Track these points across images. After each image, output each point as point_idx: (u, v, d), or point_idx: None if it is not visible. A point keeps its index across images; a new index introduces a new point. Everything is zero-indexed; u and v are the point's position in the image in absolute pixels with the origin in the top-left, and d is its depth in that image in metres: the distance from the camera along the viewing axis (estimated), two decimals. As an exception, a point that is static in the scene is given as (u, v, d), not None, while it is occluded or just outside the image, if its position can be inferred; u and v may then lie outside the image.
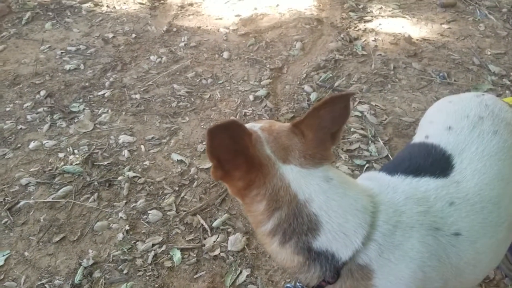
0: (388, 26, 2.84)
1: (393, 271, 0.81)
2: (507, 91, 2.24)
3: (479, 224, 0.85)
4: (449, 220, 0.84)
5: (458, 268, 0.85)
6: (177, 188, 1.87)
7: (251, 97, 2.34)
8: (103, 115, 2.25)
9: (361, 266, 0.81)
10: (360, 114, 2.20)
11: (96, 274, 1.58)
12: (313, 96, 2.32)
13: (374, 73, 2.45)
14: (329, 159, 0.82)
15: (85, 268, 1.59)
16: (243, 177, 0.81)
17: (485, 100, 1.06)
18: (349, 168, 1.90)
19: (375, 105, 2.24)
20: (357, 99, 2.29)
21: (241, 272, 1.58)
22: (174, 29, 2.92)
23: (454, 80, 2.36)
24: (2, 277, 1.59)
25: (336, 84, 2.39)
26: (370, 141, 2.04)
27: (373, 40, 2.70)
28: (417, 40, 2.68)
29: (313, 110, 0.81)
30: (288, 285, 1.06)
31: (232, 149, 0.77)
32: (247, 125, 0.85)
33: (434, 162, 0.93)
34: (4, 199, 1.86)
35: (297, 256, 0.81)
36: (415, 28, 2.80)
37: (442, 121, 1.04)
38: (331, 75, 2.46)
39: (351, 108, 2.23)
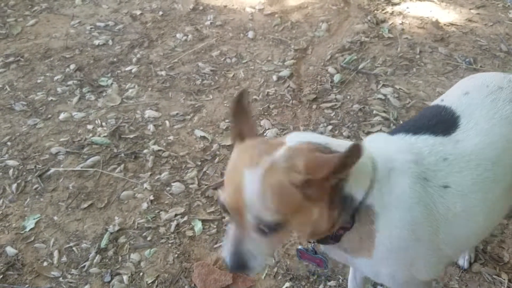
0: (416, 9, 2.80)
1: (389, 213, 0.88)
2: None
3: (472, 180, 0.90)
4: (440, 174, 0.90)
5: (447, 219, 0.90)
6: (199, 163, 1.93)
7: (274, 77, 2.37)
8: (130, 90, 2.32)
9: (367, 207, 0.87)
10: (383, 97, 2.20)
11: (122, 239, 1.66)
12: (337, 78, 2.33)
13: (399, 56, 2.44)
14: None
15: (111, 233, 1.68)
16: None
17: (509, 77, 1.08)
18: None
19: (399, 88, 2.24)
20: (380, 81, 2.29)
21: (259, 245, 1.64)
22: (201, 8, 2.95)
23: (480, 66, 2.33)
24: (32, 239, 1.69)
25: (360, 66, 2.39)
26: (392, 124, 2.05)
27: (400, 23, 2.68)
28: (444, 24, 2.65)
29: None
30: (300, 247, 1.10)
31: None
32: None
33: (439, 122, 0.98)
34: (35, 166, 1.95)
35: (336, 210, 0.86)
36: (443, 13, 2.76)
37: (461, 88, 1.08)
38: (355, 57, 2.46)
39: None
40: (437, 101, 1.09)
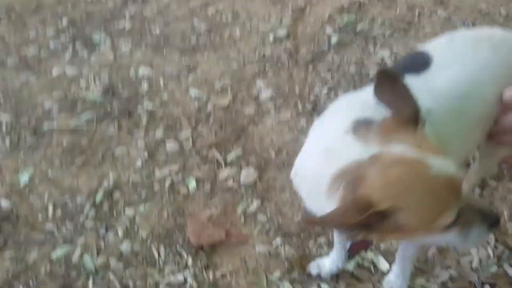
0: (417, -29, 2.74)
1: None
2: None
3: (446, 107, 0.94)
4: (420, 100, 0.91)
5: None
6: (193, 122, 1.93)
7: (271, 38, 2.33)
8: (124, 47, 2.28)
9: None
10: (380, 61, 2.19)
11: (116, 195, 1.69)
12: (334, 39, 2.30)
13: (398, 19, 2.40)
14: None
15: (106, 189, 1.70)
16: None
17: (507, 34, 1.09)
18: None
19: (396, 51, 2.22)
20: (378, 44, 2.27)
21: (252, 202, 1.66)
22: (197, -36, 2.86)
23: (479, 31, 2.31)
24: (27, 193, 1.70)
25: (358, 28, 2.36)
26: (387, 87, 2.04)
27: (399, -15, 2.63)
28: (445, -13, 2.60)
29: None
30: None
31: None
32: None
33: (413, 65, 1.01)
34: (28, 121, 1.94)
35: None
36: (444, -25, 2.70)
37: (451, 35, 1.11)
38: (354, 18, 2.42)
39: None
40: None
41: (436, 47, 1.08)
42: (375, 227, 0.75)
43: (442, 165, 0.77)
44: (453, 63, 1.00)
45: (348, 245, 1.14)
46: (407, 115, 0.81)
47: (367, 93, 0.97)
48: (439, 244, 0.91)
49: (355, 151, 0.80)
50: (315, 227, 1.50)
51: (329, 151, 0.84)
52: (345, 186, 0.78)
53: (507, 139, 0.97)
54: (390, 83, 0.83)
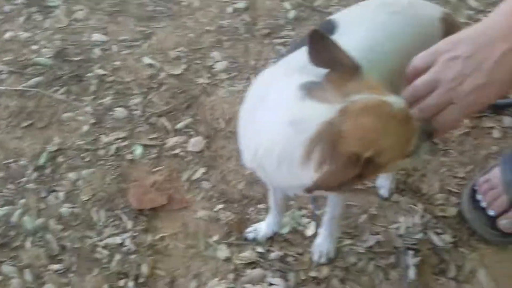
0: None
1: None
2: (481, 26, 2.26)
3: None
4: None
5: None
6: (145, 90, 1.94)
7: (230, 9, 2.33)
8: (79, 12, 2.25)
9: None
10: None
11: (60, 159, 1.70)
12: (291, 14, 2.32)
13: (355, -4, 2.43)
14: None
15: (49, 152, 1.71)
16: None
17: (420, 2, 1.17)
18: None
19: (350, 28, 2.25)
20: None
21: (197, 170, 1.70)
22: None
23: (433, 11, 2.36)
24: (-31, 153, 1.70)
25: (315, 3, 2.38)
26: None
27: (361, -37, 2.65)
28: (405, -34, 2.63)
29: None
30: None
31: None
32: None
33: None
34: (-24, 84, 1.92)
35: None
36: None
37: (356, 4, 1.18)
38: (312, -6, 2.43)
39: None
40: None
41: (343, 14, 1.13)
42: (365, 174, 0.80)
43: (397, 101, 0.84)
44: (356, 25, 1.06)
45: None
46: (347, 66, 0.85)
47: (295, 58, 1.01)
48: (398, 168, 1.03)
49: (321, 112, 0.82)
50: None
51: (293, 122, 0.85)
52: (323, 148, 0.81)
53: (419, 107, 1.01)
54: (321, 43, 0.87)
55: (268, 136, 0.91)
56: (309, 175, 0.82)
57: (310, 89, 0.86)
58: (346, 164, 0.78)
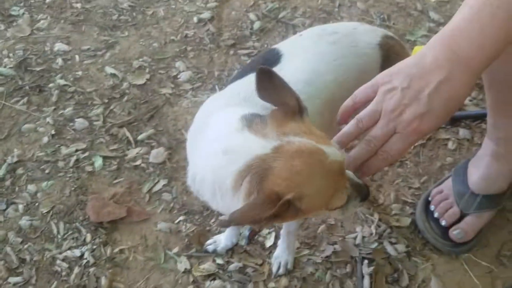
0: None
1: None
2: (439, 40, 2.34)
3: (298, 92, 0.98)
4: None
5: None
6: (106, 101, 1.94)
7: (195, 19, 2.35)
8: (42, 21, 2.23)
9: None
10: (298, 47, 2.26)
11: (19, 171, 1.68)
12: (257, 25, 2.35)
13: (319, 8, 2.48)
14: None
15: (9, 164, 1.69)
16: None
17: (359, 26, 1.21)
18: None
19: (313, 39, 2.30)
20: (298, 32, 2.33)
21: (158, 181, 1.71)
22: None
23: (393, 24, 2.43)
24: None
25: (280, 15, 2.42)
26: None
27: (325, -25, 2.70)
28: (368, -21, 2.70)
29: None
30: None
31: None
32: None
33: (265, 61, 1.10)
34: None
35: None
36: (369, -33, 2.80)
37: (301, 32, 1.22)
38: (277, 6, 2.47)
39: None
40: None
41: (286, 43, 1.18)
42: (283, 215, 0.82)
43: (333, 152, 0.86)
44: (298, 56, 1.10)
45: (247, 232, 1.22)
46: (292, 106, 0.88)
47: (240, 88, 1.04)
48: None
49: (256, 146, 0.85)
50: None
51: (227, 151, 0.88)
52: (250, 180, 0.83)
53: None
54: (269, 80, 0.89)
55: (204, 163, 0.95)
56: (238, 203, 0.85)
57: (251, 122, 0.89)
58: (265, 201, 0.79)
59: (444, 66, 0.87)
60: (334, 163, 0.85)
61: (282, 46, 1.16)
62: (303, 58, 1.10)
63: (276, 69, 1.07)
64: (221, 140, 0.92)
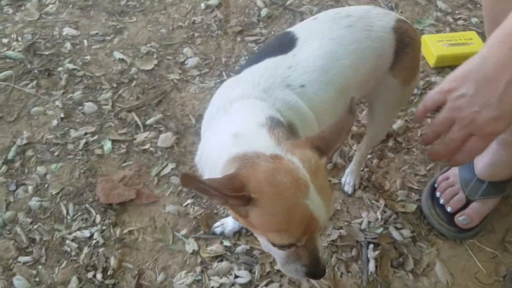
0: (352, -50, 2.81)
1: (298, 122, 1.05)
2: (447, 28, 2.34)
3: (314, 81, 1.06)
4: (291, 78, 1.05)
5: (313, 111, 1.07)
6: (115, 85, 1.95)
7: (202, 5, 2.35)
8: (50, 6, 2.24)
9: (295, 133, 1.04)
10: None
11: (29, 153, 1.70)
12: (264, 12, 2.35)
13: (327, -5, 2.48)
14: None
15: (18, 146, 1.70)
16: None
17: (371, 10, 1.20)
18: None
19: (321, 27, 2.30)
20: (304, 18, 2.33)
21: (166, 165, 1.72)
22: None
23: (401, 12, 2.43)
24: None
25: (288, 2, 2.42)
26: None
27: (333, -37, 2.69)
28: (376, -32, 2.69)
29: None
30: None
31: None
32: None
33: (281, 45, 1.11)
34: None
35: None
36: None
37: (316, 15, 1.20)
38: (285, -8, 2.47)
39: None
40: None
41: (301, 26, 1.17)
42: (235, 206, 0.86)
43: (316, 205, 0.84)
44: (313, 40, 1.10)
45: None
46: (324, 147, 0.89)
47: (259, 79, 1.06)
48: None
49: (263, 144, 0.89)
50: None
51: (238, 135, 0.93)
52: (239, 167, 0.86)
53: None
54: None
55: (215, 140, 0.98)
56: None
57: (274, 126, 0.93)
58: (231, 183, 0.82)
59: (508, 66, 0.86)
60: (307, 209, 0.83)
61: (297, 29, 1.15)
62: (319, 43, 1.09)
63: (292, 54, 1.08)
64: (239, 126, 0.96)
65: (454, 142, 0.95)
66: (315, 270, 0.92)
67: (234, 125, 0.97)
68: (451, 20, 2.41)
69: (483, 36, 2.19)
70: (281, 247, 0.90)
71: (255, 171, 0.84)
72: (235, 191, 0.81)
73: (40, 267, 1.45)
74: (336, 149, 0.90)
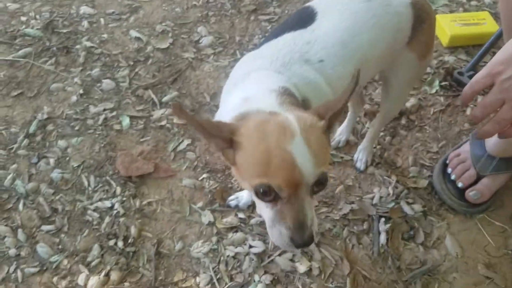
0: None
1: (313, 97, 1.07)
2: (460, 8, 2.34)
3: (332, 56, 1.08)
4: (310, 53, 1.07)
5: (331, 86, 1.09)
6: (132, 63, 1.98)
7: (216, -15, 2.37)
8: (67, -16, 2.27)
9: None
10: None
11: (50, 127, 1.75)
12: (278, -10, 2.37)
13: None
14: None
15: (39, 121, 1.75)
16: None
17: None
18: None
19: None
20: None
21: (182, 141, 1.76)
22: None
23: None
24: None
25: (301, -18, 2.42)
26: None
27: None
28: None
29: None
30: None
31: None
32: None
33: (300, 20, 1.13)
34: (-35, 53, 1.94)
35: None
36: None
37: None
38: (298, -28, 2.48)
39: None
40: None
41: (320, 1, 1.18)
42: (224, 148, 0.90)
43: (301, 154, 0.83)
44: (333, 14, 1.11)
45: None
46: (326, 114, 0.90)
47: (278, 53, 1.08)
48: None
49: (267, 104, 0.93)
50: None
51: (247, 100, 0.97)
52: (236, 120, 0.92)
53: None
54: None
55: (230, 106, 1.01)
56: None
57: (285, 94, 0.97)
58: (226, 127, 0.87)
59: None
60: (289, 155, 0.82)
61: (317, 4, 1.16)
62: (338, 18, 1.11)
63: (311, 28, 1.09)
64: (251, 92, 1.00)
65: (506, 121, 1.03)
66: (298, 235, 0.85)
67: (246, 90, 1.01)
68: (464, 0, 2.41)
69: (496, 17, 2.19)
70: (264, 197, 0.86)
71: (248, 122, 0.89)
72: (219, 132, 0.86)
73: (62, 235, 1.51)
74: (336, 115, 0.90)
